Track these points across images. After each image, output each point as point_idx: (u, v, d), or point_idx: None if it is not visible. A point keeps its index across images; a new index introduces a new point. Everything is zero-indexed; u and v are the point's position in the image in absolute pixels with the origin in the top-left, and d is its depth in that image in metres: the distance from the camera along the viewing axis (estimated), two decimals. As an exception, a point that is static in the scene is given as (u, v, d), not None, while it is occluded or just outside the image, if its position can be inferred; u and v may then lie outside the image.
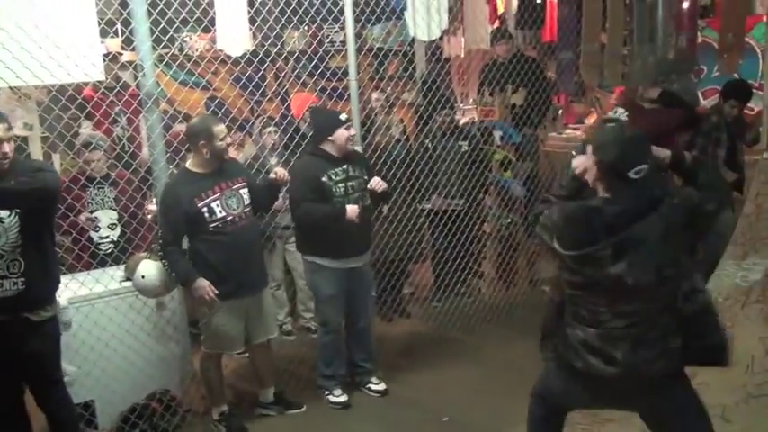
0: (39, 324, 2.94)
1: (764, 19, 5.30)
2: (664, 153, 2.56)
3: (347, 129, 3.76)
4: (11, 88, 3.45)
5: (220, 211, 3.44)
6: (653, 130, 3.68)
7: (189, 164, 3.53)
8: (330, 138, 3.74)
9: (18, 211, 2.83)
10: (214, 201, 3.43)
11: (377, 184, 3.83)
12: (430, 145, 4.96)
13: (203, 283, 3.39)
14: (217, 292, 3.40)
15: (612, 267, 2.19)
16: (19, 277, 2.85)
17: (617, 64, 5.33)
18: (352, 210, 3.65)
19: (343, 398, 3.94)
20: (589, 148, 2.38)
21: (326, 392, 3.97)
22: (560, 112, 6.94)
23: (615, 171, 2.27)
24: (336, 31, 5.58)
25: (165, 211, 3.43)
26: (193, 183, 3.44)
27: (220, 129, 3.45)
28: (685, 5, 5.34)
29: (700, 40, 5.64)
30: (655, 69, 5.20)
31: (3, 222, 2.81)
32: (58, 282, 3.10)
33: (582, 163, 2.43)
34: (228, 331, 3.57)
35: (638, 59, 5.33)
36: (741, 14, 5.14)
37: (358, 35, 4.21)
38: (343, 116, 3.79)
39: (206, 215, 3.41)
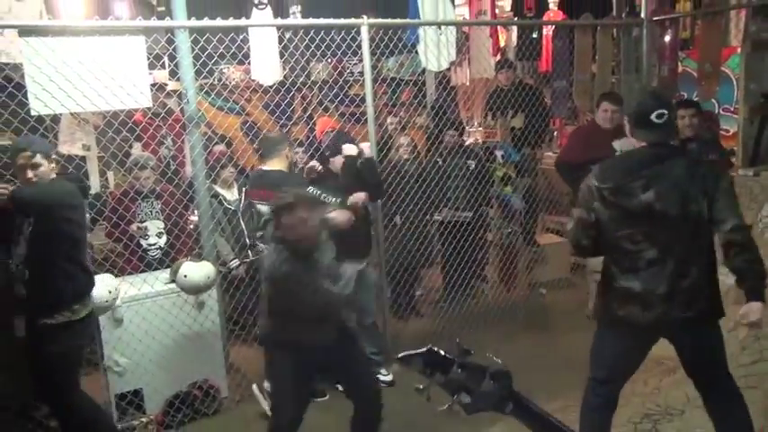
0: (51, 327, 2.82)
1: (738, 50, 5.27)
2: None
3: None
4: (72, 114, 3.51)
5: None
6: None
7: (275, 166, 3.63)
8: (333, 159, 3.80)
9: (31, 222, 2.79)
10: None
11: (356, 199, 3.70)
12: (441, 163, 4.98)
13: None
14: None
15: (643, 195, 2.33)
16: (27, 285, 2.81)
17: (606, 91, 5.33)
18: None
19: None
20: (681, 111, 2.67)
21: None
22: (555, 134, 6.94)
23: (639, 117, 2.41)
24: (355, 63, 5.63)
25: None
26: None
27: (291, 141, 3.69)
28: (667, 39, 5.34)
29: (680, 69, 5.61)
30: (640, 96, 5.18)
31: (23, 234, 2.81)
32: (70, 293, 2.88)
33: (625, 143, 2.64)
34: None
35: (625, 87, 5.33)
36: (717, 46, 5.12)
37: (374, 66, 4.25)
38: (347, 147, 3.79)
39: None
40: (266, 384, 3.69)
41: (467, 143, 5.61)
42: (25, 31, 3.12)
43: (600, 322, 2.66)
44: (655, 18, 5.19)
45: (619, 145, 4.62)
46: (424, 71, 5.77)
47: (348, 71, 5.87)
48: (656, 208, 2.32)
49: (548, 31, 5.71)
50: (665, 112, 2.38)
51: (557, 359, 4.26)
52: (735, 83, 5.73)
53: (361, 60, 4.10)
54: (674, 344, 2.55)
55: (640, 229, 2.38)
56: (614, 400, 2.67)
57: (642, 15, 5.14)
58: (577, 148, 4.81)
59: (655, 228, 2.36)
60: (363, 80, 4.09)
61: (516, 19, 5.80)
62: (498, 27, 5.80)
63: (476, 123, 6.88)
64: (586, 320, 4.89)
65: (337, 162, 3.77)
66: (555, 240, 5.92)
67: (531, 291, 5.43)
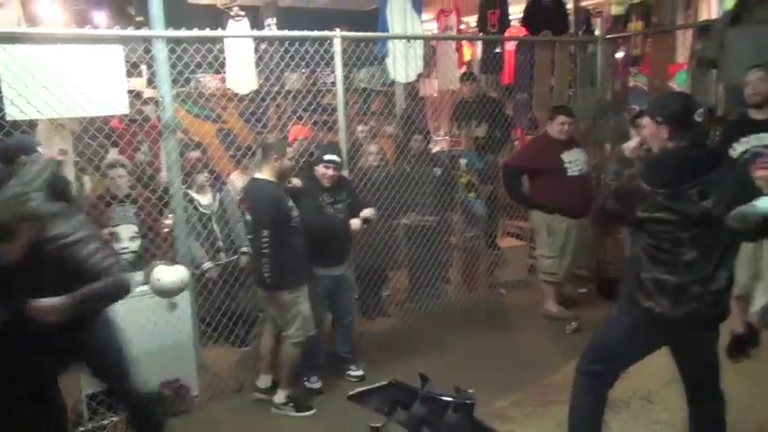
0: None
1: (685, 67, 5.44)
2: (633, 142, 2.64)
3: (326, 167, 3.78)
4: (49, 120, 3.44)
5: (295, 212, 3.57)
6: None
7: (264, 175, 3.51)
8: (315, 167, 3.83)
9: None
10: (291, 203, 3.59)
11: (368, 215, 3.93)
12: (408, 170, 5.01)
13: None
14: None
15: (703, 203, 2.28)
16: None
17: (563, 103, 5.44)
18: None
19: (318, 384, 3.94)
20: (645, 120, 2.47)
21: (304, 379, 3.95)
22: (516, 143, 7.03)
23: (683, 118, 2.36)
24: (328, 74, 5.63)
25: (270, 206, 3.44)
26: (280, 189, 3.55)
27: (290, 150, 3.60)
28: (620, 55, 5.48)
29: (632, 84, 5.77)
30: (594, 108, 5.32)
31: None
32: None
33: (634, 144, 2.52)
34: (310, 311, 3.64)
35: (581, 99, 5.46)
36: (666, 63, 5.27)
37: (346, 77, 4.26)
38: (327, 156, 3.79)
39: (293, 214, 3.54)
40: (279, 398, 3.72)
41: (433, 151, 5.65)
42: (3, 38, 3.06)
43: (618, 312, 2.59)
44: (608, 36, 5.34)
45: (567, 157, 4.74)
46: (393, 83, 5.81)
47: (321, 81, 5.87)
48: (713, 215, 2.28)
49: (510, 46, 5.80)
50: (703, 110, 2.40)
51: (515, 356, 4.33)
52: (681, 98, 5.91)
53: (333, 71, 4.11)
54: (681, 346, 2.51)
55: (689, 233, 2.32)
56: (604, 395, 2.60)
57: (597, 33, 5.29)
58: (528, 156, 4.92)
59: (702, 232, 2.32)
60: (335, 90, 4.11)
61: (481, 34, 5.87)
62: (464, 42, 5.87)
63: (442, 133, 6.94)
64: (542, 319, 4.99)
65: (317, 171, 3.80)
66: (514, 244, 6.01)
67: (492, 291, 5.50)
